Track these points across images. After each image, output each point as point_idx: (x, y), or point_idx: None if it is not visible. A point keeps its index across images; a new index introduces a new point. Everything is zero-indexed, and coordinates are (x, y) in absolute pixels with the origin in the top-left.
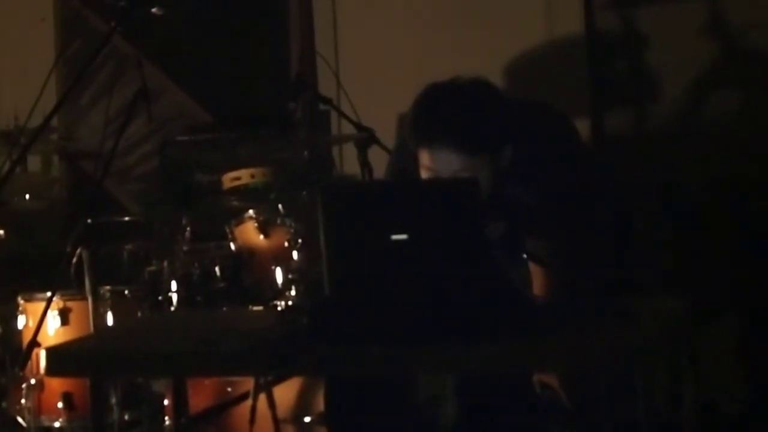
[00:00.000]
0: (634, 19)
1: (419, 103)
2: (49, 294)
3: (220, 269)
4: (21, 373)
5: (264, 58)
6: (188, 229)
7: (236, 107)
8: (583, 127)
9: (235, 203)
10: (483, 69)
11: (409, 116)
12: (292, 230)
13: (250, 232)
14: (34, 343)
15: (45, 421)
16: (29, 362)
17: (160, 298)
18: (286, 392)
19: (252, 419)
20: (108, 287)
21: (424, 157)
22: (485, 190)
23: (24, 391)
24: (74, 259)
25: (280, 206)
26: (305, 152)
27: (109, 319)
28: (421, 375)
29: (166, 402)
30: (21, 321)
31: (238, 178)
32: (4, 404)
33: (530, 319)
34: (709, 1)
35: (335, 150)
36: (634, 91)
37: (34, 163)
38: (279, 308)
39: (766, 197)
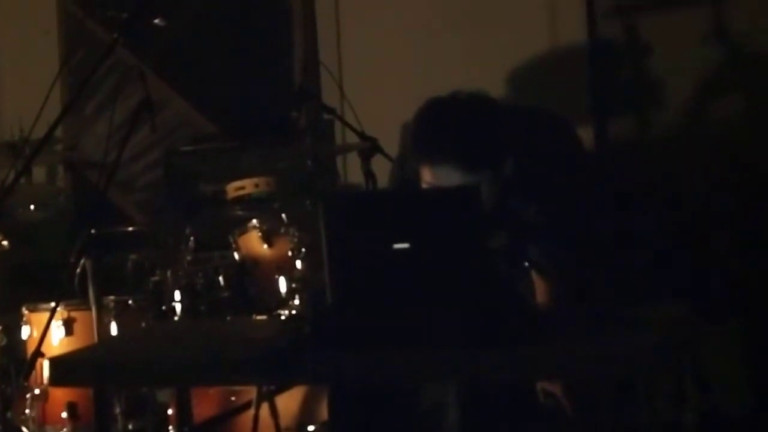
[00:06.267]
0: (637, 25)
1: (419, 119)
2: (53, 304)
3: (224, 279)
4: (25, 384)
5: (267, 67)
6: (192, 238)
7: (240, 117)
8: (585, 133)
9: (239, 213)
10: (486, 76)
11: (410, 131)
12: (296, 239)
13: (253, 242)
14: (39, 353)
15: (49, 431)
16: (33, 372)
17: (164, 307)
18: (289, 401)
19: (255, 429)
20: (112, 297)
21: (426, 173)
22: (487, 203)
23: (28, 401)
24: (78, 269)
25: (283, 215)
26: (309, 162)
27: (113, 329)
28: (424, 383)
29: (170, 411)
30: (25, 331)
31: (241, 188)
32: (8, 414)
33: (533, 327)
34: (712, 8)
35: (339, 159)
36: (637, 97)
37: (39, 173)
38: (282, 317)
39: None
